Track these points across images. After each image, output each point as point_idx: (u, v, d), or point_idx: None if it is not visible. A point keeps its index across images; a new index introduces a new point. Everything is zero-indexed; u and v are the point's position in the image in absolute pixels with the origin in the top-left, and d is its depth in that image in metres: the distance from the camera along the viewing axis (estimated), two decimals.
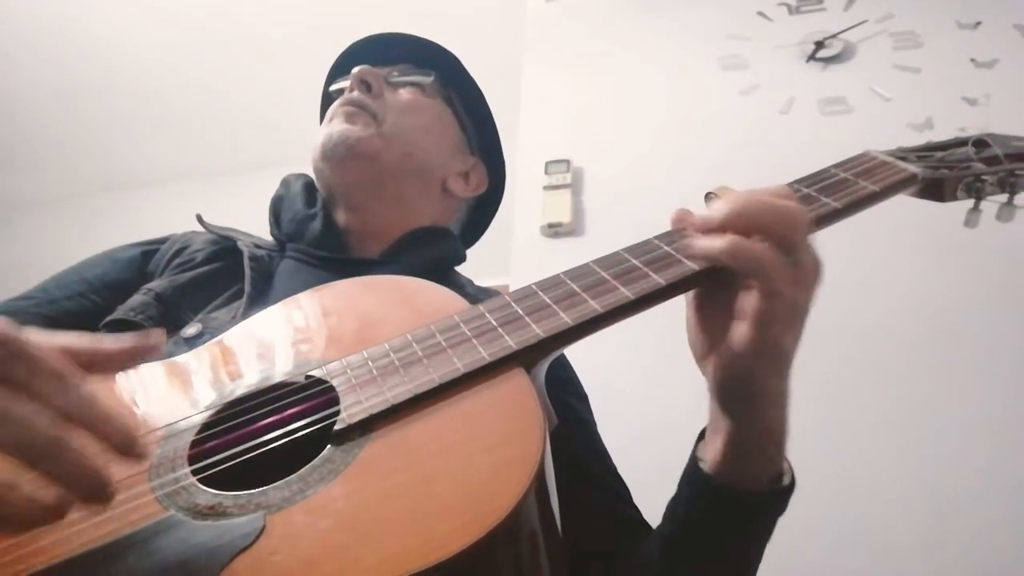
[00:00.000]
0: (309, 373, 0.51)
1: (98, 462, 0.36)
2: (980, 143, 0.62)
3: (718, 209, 0.48)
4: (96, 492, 0.36)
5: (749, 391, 0.50)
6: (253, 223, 0.90)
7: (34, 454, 0.34)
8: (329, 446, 0.44)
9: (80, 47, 2.84)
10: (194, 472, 0.45)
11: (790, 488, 0.54)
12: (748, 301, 0.46)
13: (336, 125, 0.80)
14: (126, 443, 0.37)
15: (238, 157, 3.27)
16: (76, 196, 3.50)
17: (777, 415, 0.51)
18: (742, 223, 0.46)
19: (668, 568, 0.58)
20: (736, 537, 0.55)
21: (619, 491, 0.70)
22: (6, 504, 0.34)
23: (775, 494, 0.53)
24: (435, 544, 0.36)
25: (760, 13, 2.19)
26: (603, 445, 0.73)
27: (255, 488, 0.42)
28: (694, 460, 0.56)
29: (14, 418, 0.34)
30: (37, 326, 0.40)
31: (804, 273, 0.47)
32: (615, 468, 0.71)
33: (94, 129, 3.20)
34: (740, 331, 0.47)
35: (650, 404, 1.55)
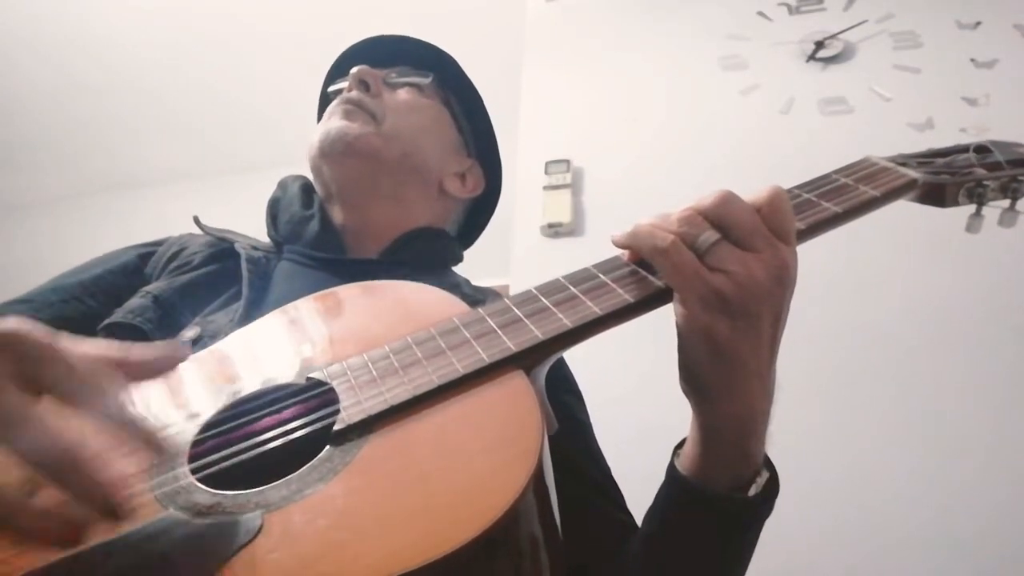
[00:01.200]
0: (309, 375, 0.51)
1: (114, 476, 0.36)
2: (982, 149, 0.62)
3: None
4: (107, 509, 0.36)
5: (699, 382, 0.51)
6: (254, 223, 0.90)
7: (52, 462, 0.35)
8: (328, 446, 0.44)
9: (80, 47, 2.84)
10: (194, 472, 0.45)
11: (768, 493, 0.54)
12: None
13: (334, 122, 0.80)
14: (157, 446, 0.40)
15: (238, 158, 3.28)
16: (76, 196, 3.50)
17: (738, 409, 0.50)
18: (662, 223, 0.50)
19: (648, 568, 0.58)
20: (712, 537, 0.55)
21: (612, 494, 0.70)
22: (18, 514, 0.34)
23: (746, 502, 0.53)
24: (433, 541, 0.36)
25: (760, 13, 2.19)
26: (597, 446, 0.73)
27: (255, 488, 0.42)
28: (672, 458, 0.57)
29: (34, 423, 0.35)
30: None
31: (721, 261, 0.47)
32: (608, 470, 0.72)
33: (94, 129, 3.20)
34: (676, 313, 0.49)
35: (648, 407, 1.55)
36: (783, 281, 0.48)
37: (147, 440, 0.39)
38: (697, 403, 0.53)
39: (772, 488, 0.55)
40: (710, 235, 0.47)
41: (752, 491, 0.53)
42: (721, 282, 0.46)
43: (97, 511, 0.36)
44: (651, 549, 0.58)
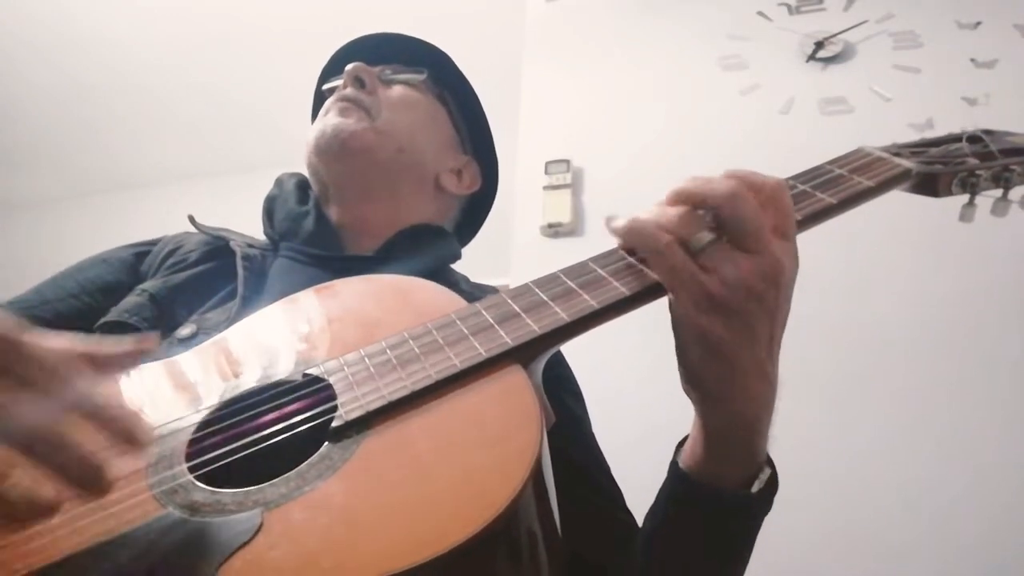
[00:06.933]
0: (307, 371, 0.51)
1: (96, 453, 0.36)
2: (974, 138, 0.62)
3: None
4: (93, 482, 0.36)
5: (698, 382, 0.50)
6: (252, 223, 0.90)
7: (32, 443, 0.35)
8: (327, 443, 0.44)
9: (80, 47, 2.84)
10: (191, 470, 0.44)
11: (767, 491, 0.54)
12: None
13: (330, 119, 0.80)
14: (129, 430, 0.38)
15: (237, 157, 3.28)
16: (76, 196, 3.51)
17: (740, 407, 0.50)
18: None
19: (650, 564, 0.58)
20: (713, 533, 0.55)
21: (612, 493, 0.70)
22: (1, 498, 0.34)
23: (749, 498, 0.53)
24: (432, 538, 0.36)
25: (760, 13, 2.19)
26: (597, 445, 0.73)
27: (254, 486, 0.42)
28: (674, 455, 0.57)
29: (13, 409, 0.35)
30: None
31: (713, 261, 0.46)
32: (608, 469, 0.71)
33: (94, 129, 3.20)
34: (671, 312, 0.49)
35: (649, 406, 1.55)
36: (777, 281, 0.47)
37: (120, 427, 0.38)
38: (698, 402, 0.53)
39: (772, 485, 0.55)
40: (703, 236, 0.47)
41: (755, 487, 0.53)
42: (713, 284, 0.46)
43: (76, 484, 0.36)
44: (653, 546, 0.58)
